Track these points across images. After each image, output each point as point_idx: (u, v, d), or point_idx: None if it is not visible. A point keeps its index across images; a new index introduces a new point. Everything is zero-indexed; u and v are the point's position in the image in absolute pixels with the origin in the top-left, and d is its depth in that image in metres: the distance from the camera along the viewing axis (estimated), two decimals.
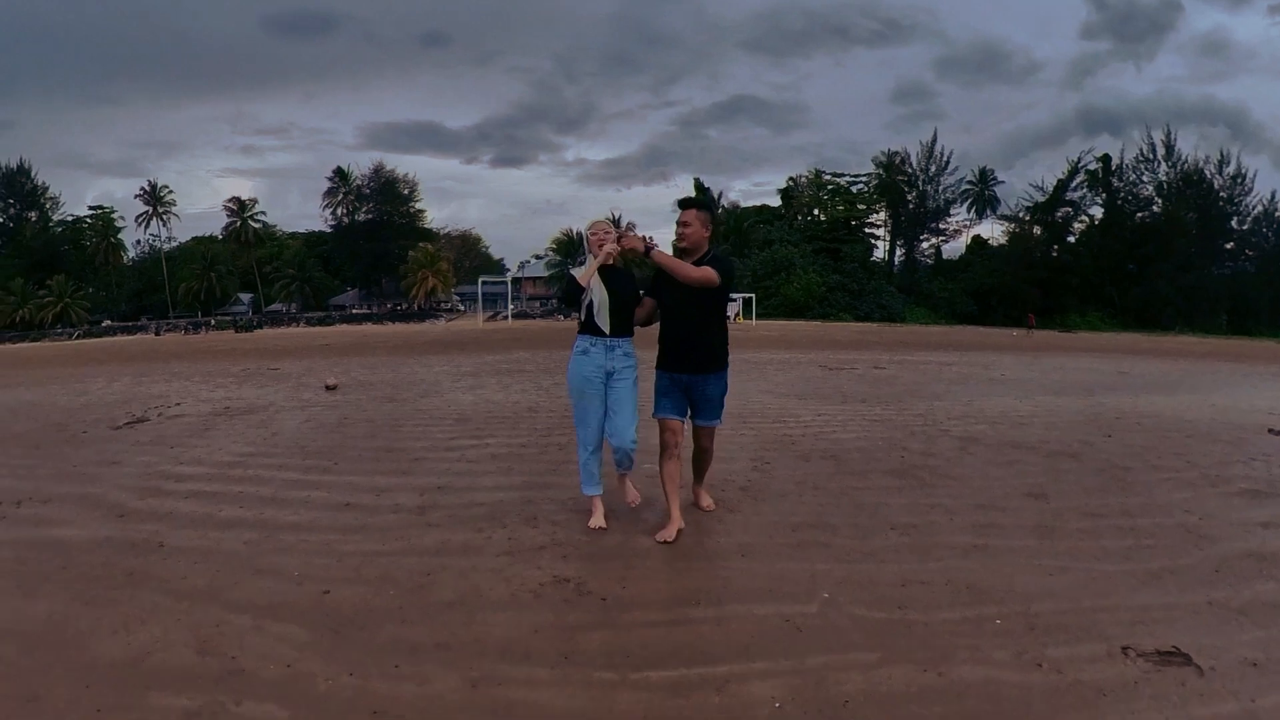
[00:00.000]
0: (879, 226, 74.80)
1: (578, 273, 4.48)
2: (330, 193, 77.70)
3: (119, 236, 79.23)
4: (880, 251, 75.08)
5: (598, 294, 4.40)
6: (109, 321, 70.52)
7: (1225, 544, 4.46)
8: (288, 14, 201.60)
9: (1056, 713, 2.63)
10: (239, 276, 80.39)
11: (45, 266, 72.00)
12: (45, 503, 5.57)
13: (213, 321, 66.10)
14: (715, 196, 77.84)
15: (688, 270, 4.22)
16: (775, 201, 76.90)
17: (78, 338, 61.31)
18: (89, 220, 79.32)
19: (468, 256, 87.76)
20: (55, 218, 79.40)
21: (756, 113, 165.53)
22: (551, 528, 4.61)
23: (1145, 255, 62.30)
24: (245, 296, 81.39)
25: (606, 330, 4.42)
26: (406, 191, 78.98)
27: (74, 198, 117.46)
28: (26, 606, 3.63)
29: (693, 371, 4.46)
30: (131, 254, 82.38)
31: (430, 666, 2.89)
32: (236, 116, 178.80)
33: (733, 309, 56.14)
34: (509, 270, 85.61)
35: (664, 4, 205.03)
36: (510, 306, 64.51)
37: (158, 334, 59.71)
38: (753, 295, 57.48)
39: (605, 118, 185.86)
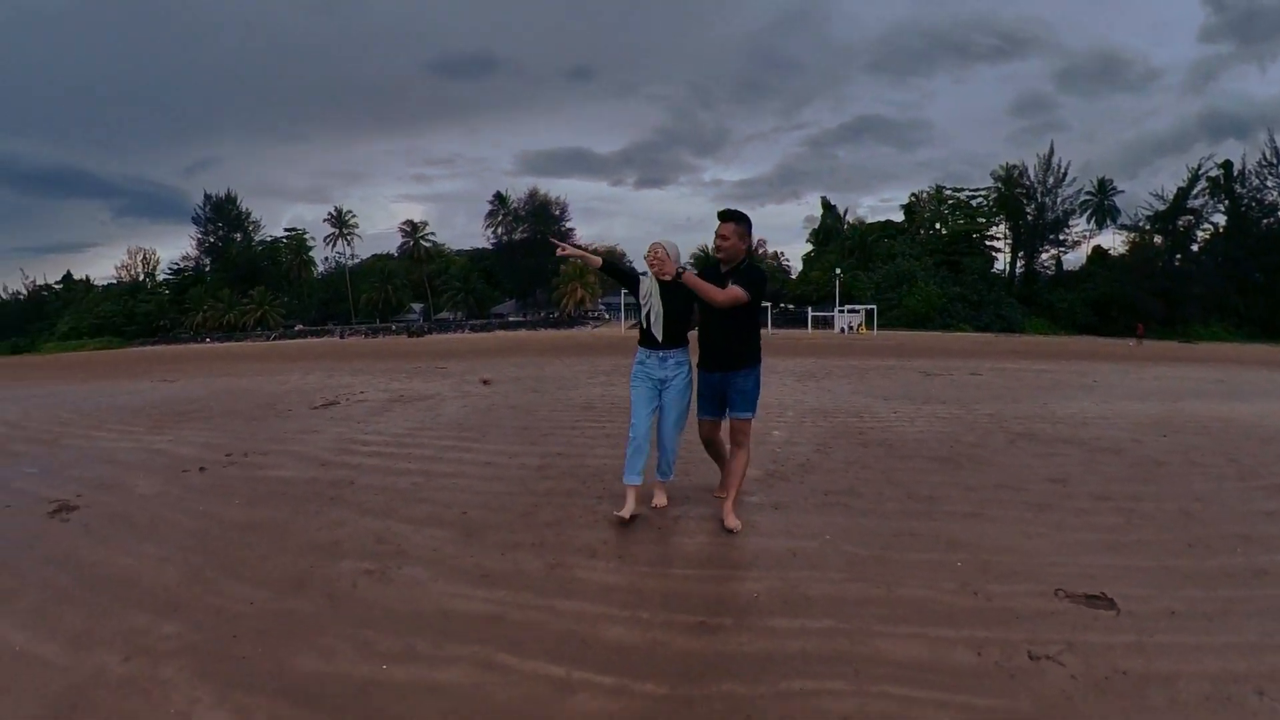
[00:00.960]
0: (999, 239, 72.22)
1: (645, 282, 4.78)
2: (491, 215, 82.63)
3: (309, 254, 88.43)
4: (1001, 263, 72.47)
5: (655, 307, 4.69)
6: (300, 326, 78.41)
7: (1215, 526, 4.67)
8: (451, 58, 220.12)
9: (969, 623, 3.28)
10: (412, 289, 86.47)
11: (248, 279, 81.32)
12: (264, 455, 7.21)
13: (393, 327, 71.73)
14: (841, 213, 77.06)
15: (715, 294, 4.35)
16: (900, 217, 75.74)
17: (274, 339, 68.54)
18: (284, 240, 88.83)
19: None
20: (256, 238, 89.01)
21: (882, 131, 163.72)
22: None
23: (1273, 263, 56.67)
24: (417, 306, 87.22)
25: (660, 339, 4.70)
26: (557, 213, 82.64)
27: (272, 221, 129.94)
28: (259, 513, 5.16)
29: (724, 369, 4.63)
30: (320, 269, 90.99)
31: (525, 556, 4.07)
32: (409, 150, 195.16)
33: (855, 320, 55.43)
34: None
35: (791, 32, 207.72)
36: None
37: (342, 337, 65.73)
38: (874, 306, 56.94)
39: (739, 141, 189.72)
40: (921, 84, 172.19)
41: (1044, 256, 70.77)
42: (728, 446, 4.86)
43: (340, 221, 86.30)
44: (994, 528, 4.63)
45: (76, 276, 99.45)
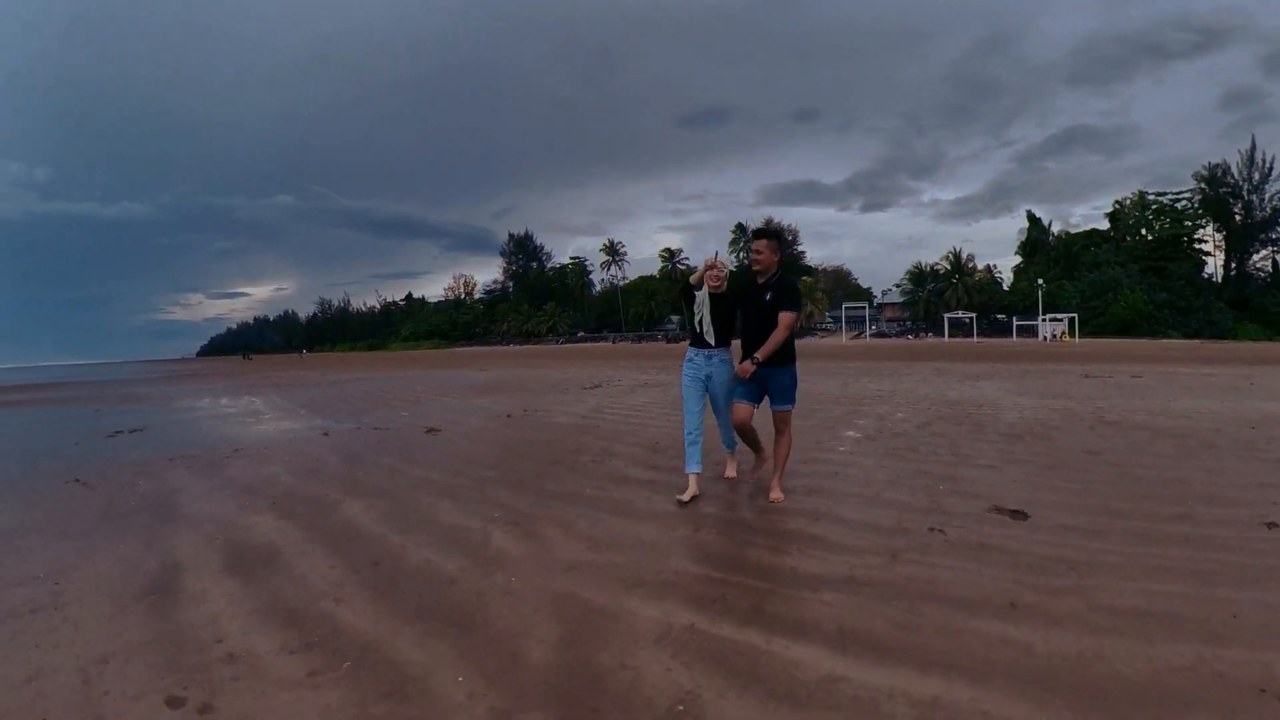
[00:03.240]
0: (1206, 242, 60.67)
1: (700, 295, 5.01)
2: (733, 242, 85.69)
3: (588, 276, 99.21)
4: (1212, 267, 60.81)
5: (706, 315, 4.94)
6: (581, 334, 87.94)
7: (1192, 488, 4.88)
8: (696, 111, 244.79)
9: (910, 511, 4.41)
10: (670, 304, 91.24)
11: (541, 297, 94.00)
12: (547, 411, 10.19)
13: (658, 336, 77.59)
14: (1047, 225, 69.44)
15: (782, 336, 4.61)
16: (1106, 225, 66.26)
17: (561, 343, 77.10)
18: (569, 266, 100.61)
19: (840, 286, 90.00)
20: (548, 265, 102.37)
21: (1088, 141, 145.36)
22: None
23: None
24: (674, 318, 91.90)
25: (711, 343, 4.96)
26: (789, 238, 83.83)
27: (559, 251, 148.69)
28: (540, 435, 7.99)
29: (763, 367, 4.68)
30: (597, 288, 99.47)
31: (679, 461, 5.99)
32: (667, 189, 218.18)
33: (1059, 328, 50.27)
34: (875, 298, 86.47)
35: (989, 57, 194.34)
36: (871, 327, 65.58)
37: (613, 343, 73.34)
38: (1075, 315, 51.56)
39: (952, 162, 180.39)
40: (1122, 89, 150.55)
41: (1257, 258, 58.76)
42: (758, 433, 5.09)
43: (612, 250, 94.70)
44: (993, 474, 5.40)
45: (415, 296, 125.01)
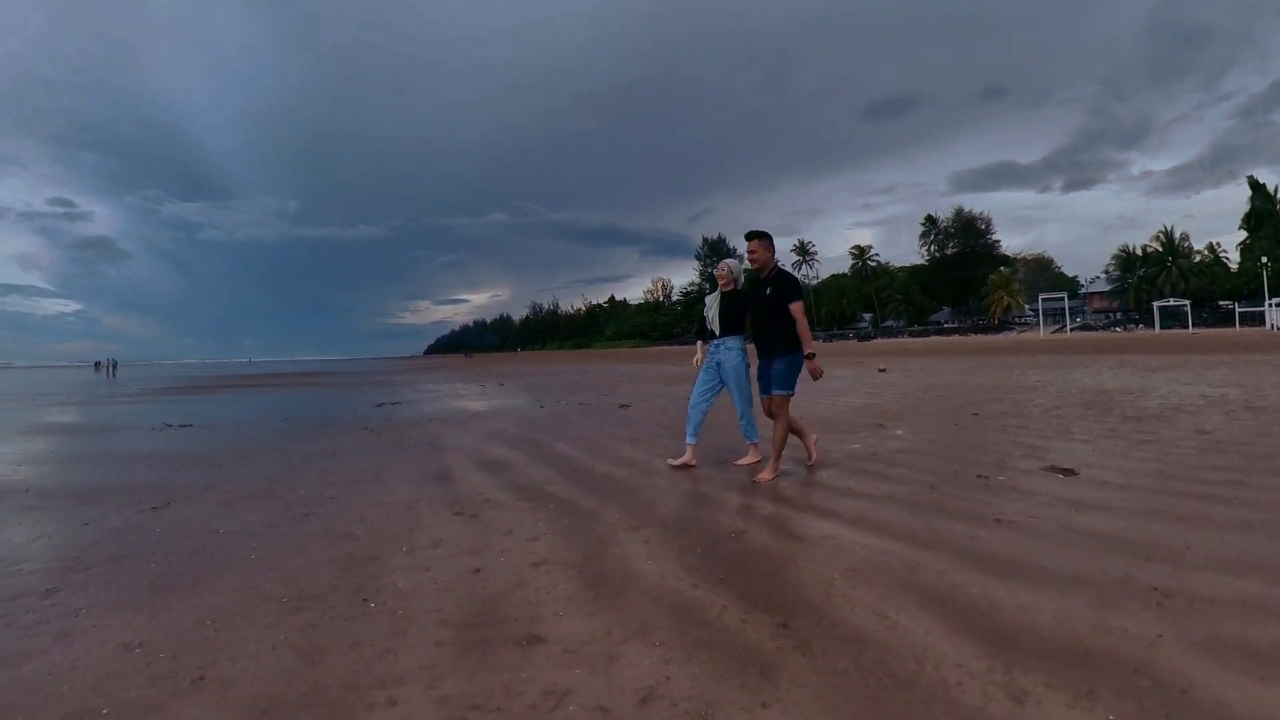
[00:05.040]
0: None
1: (710, 314, 5.56)
2: (924, 235, 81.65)
3: None
4: None
5: (715, 311, 5.50)
6: None
7: (1273, 462, 4.86)
8: (878, 103, 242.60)
9: (971, 463, 5.17)
10: (862, 301, 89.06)
11: None
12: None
13: (850, 335, 76.61)
14: (1273, 191, 55.51)
15: (805, 330, 4.97)
16: None
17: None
18: None
19: (1041, 276, 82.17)
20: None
21: None
22: (909, 425, 8.25)
23: None
24: (866, 315, 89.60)
25: (717, 332, 5.47)
26: (983, 227, 78.24)
27: None
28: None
29: (766, 357, 5.14)
30: None
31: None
32: (855, 184, 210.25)
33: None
34: (1081, 286, 78.06)
35: (1190, 1, 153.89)
36: (1074, 320, 59.75)
37: None
38: None
39: (1162, 126, 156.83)
40: None
41: None
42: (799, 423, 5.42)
43: (803, 250, 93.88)
44: (1079, 446, 5.75)
45: (617, 298, 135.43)
